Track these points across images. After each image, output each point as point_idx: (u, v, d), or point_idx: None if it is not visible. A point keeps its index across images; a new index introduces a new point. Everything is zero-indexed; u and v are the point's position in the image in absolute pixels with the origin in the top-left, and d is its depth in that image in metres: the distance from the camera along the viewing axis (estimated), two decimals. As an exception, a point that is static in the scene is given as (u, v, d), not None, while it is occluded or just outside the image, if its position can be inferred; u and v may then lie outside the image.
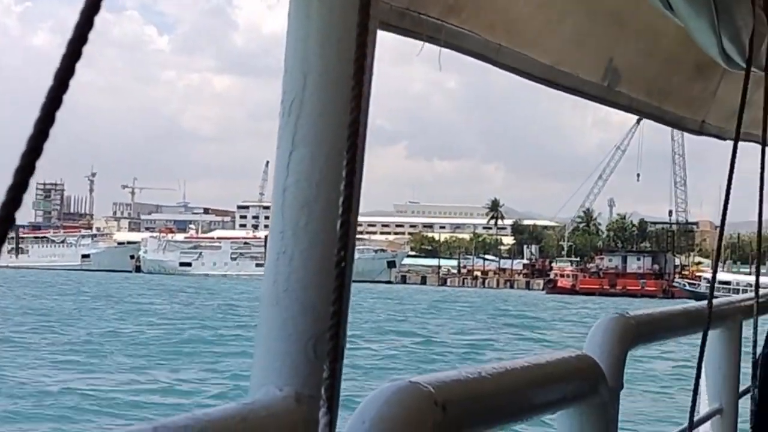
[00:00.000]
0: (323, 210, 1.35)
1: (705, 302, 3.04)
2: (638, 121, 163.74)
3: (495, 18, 2.73)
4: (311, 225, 1.35)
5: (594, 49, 3.36)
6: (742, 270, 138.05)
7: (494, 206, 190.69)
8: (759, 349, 3.31)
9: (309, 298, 1.35)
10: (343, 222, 1.30)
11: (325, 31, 1.36)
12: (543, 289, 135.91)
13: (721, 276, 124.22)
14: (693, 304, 3.16)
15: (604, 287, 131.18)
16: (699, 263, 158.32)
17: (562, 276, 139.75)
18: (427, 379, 1.60)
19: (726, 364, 3.43)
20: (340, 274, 1.30)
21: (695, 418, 3.10)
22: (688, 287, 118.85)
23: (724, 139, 4.56)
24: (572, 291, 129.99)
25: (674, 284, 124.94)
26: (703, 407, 3.45)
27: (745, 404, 3.40)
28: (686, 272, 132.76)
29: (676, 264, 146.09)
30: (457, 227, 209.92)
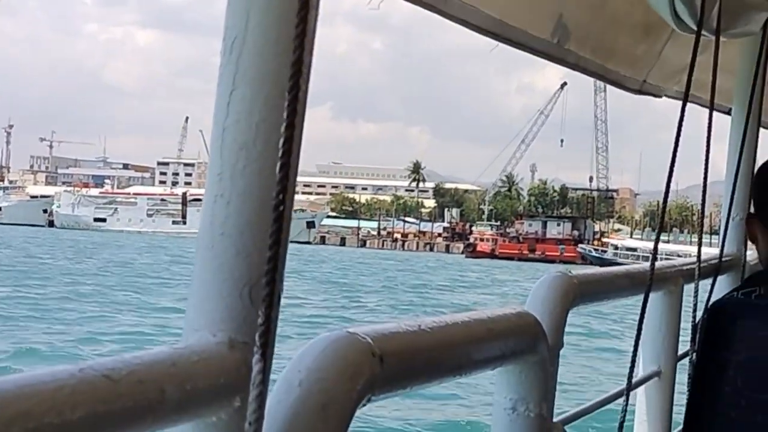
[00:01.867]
0: (262, 152, 1.31)
1: (648, 264, 3.04)
2: (562, 86, 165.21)
3: None
4: (250, 167, 1.31)
5: (544, 4, 3.33)
6: (663, 238, 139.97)
7: (416, 168, 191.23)
8: (699, 314, 3.32)
9: (245, 242, 1.31)
10: (283, 165, 1.27)
11: (269, -33, 1.31)
12: (462, 253, 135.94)
13: (629, 242, 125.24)
14: (636, 266, 3.16)
15: (524, 252, 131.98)
16: (618, 230, 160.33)
17: (481, 240, 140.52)
18: (366, 330, 1.57)
19: (666, 328, 3.44)
20: (278, 218, 1.27)
21: (634, 380, 3.11)
22: (594, 254, 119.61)
23: (661, 96, 4.57)
24: (492, 255, 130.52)
25: (579, 250, 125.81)
26: (643, 370, 3.47)
27: (684, 368, 3.42)
28: (605, 239, 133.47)
29: (596, 230, 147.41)
30: (379, 189, 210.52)
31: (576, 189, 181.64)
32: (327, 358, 1.47)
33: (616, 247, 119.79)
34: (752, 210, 3.70)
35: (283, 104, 1.27)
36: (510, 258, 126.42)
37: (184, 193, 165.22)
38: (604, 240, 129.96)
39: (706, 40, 3.50)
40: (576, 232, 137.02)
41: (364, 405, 1.52)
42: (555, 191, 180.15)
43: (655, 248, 3.08)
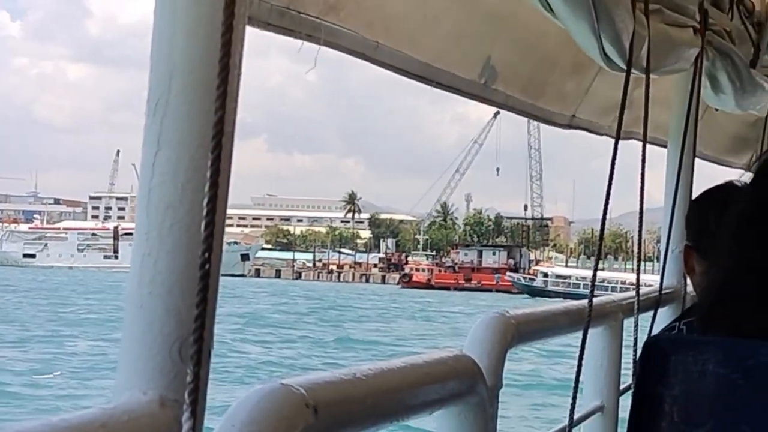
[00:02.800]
0: (188, 211, 1.33)
1: (586, 301, 3.08)
2: (495, 115, 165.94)
3: (373, 16, 2.73)
4: (176, 227, 1.33)
5: (472, 47, 3.38)
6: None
7: (351, 199, 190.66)
8: (640, 347, 3.36)
9: (174, 300, 1.33)
10: (208, 223, 1.28)
11: (191, 30, 1.34)
12: (398, 284, 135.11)
13: (558, 270, 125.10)
14: (574, 303, 3.20)
15: (460, 282, 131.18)
16: (553, 258, 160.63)
17: (417, 270, 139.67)
18: (299, 380, 1.59)
19: (607, 362, 3.48)
20: (204, 276, 1.28)
21: (576, 416, 3.14)
22: (523, 282, 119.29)
23: (595, 133, 4.64)
24: (427, 285, 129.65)
25: (507, 278, 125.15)
26: (586, 405, 3.50)
27: (627, 401, 3.45)
28: (535, 267, 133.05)
29: (531, 258, 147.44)
30: (314, 220, 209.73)
31: (511, 218, 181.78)
32: (260, 411, 1.48)
33: (546, 275, 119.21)
34: (688, 241, 3.76)
35: (207, 164, 1.29)
36: (446, 288, 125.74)
37: (116, 228, 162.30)
38: (534, 268, 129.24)
39: (635, 76, 3.57)
40: (512, 261, 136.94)
41: (300, 456, 1.54)
42: (490, 220, 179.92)
43: (593, 283, 3.12)
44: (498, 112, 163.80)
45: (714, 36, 4.51)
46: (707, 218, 3.44)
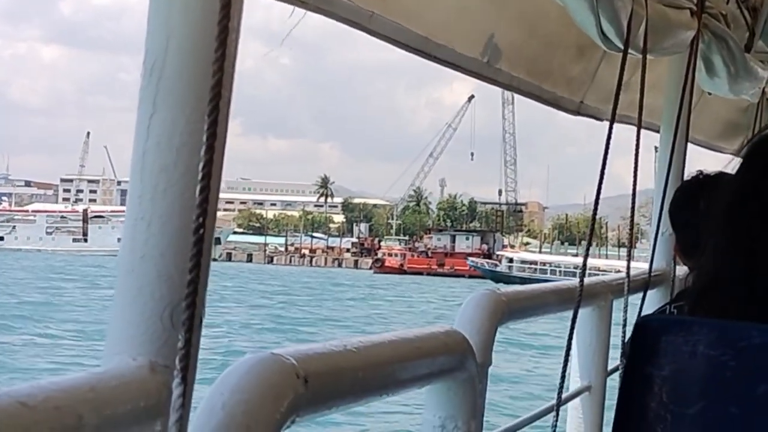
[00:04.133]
0: (183, 175, 1.31)
1: (577, 281, 3.07)
2: (469, 99, 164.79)
3: None
4: (170, 190, 1.31)
5: (474, 24, 3.35)
6: (569, 251, 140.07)
7: (324, 183, 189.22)
8: (630, 328, 3.36)
9: (166, 265, 1.31)
10: (203, 188, 1.27)
11: (189, -9, 1.32)
12: (371, 268, 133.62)
13: (524, 255, 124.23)
14: (565, 282, 3.19)
15: (432, 267, 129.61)
16: (527, 243, 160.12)
17: (390, 255, 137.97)
18: (290, 351, 1.57)
19: (596, 343, 3.47)
20: (198, 241, 1.27)
21: (564, 395, 3.13)
22: (486, 267, 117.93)
23: (601, 119, 4.62)
24: (400, 270, 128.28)
25: (469, 263, 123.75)
26: (573, 385, 3.50)
27: (614, 382, 3.45)
28: (499, 252, 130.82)
29: (505, 244, 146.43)
30: (288, 204, 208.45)
31: (485, 203, 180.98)
32: (250, 380, 1.46)
33: (511, 260, 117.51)
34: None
35: (203, 127, 1.27)
36: (419, 273, 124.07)
37: (85, 210, 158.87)
38: (498, 253, 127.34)
39: (638, 59, 3.55)
40: (485, 246, 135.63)
41: (289, 427, 1.52)
42: (464, 205, 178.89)
43: (584, 264, 3.12)
44: (472, 96, 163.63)
45: (710, 19, 4.50)
46: (689, 216, 3.45)
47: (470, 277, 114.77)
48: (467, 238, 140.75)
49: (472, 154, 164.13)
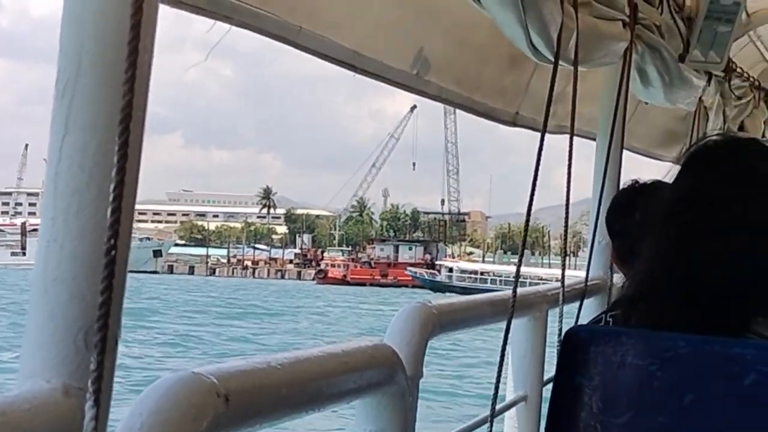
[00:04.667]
0: (95, 197, 1.30)
1: (510, 291, 3.09)
2: (411, 109, 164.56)
3: (295, 2, 2.70)
4: (83, 212, 1.31)
5: (403, 37, 3.37)
6: (512, 260, 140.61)
7: (266, 194, 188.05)
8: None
9: (79, 287, 1.31)
10: (114, 209, 1.26)
11: (100, 11, 1.31)
12: (313, 279, 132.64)
13: (463, 265, 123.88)
14: (499, 293, 3.21)
15: (376, 277, 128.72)
16: (470, 253, 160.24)
17: (333, 266, 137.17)
18: (211, 369, 1.57)
19: (531, 353, 3.49)
20: (110, 262, 1.26)
21: (499, 406, 3.15)
22: (426, 277, 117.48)
23: (538, 130, 4.65)
24: (343, 281, 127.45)
25: (407, 273, 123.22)
26: (510, 395, 3.52)
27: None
28: (438, 261, 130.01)
29: (448, 253, 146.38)
30: (230, 216, 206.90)
31: (428, 213, 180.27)
32: (169, 399, 1.46)
33: (450, 270, 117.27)
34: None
35: (114, 149, 1.27)
36: (362, 284, 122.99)
37: (23, 223, 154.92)
38: (437, 263, 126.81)
39: (570, 70, 3.59)
40: (428, 256, 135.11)
41: (210, 446, 1.52)
42: (407, 215, 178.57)
43: (517, 274, 3.14)
44: (414, 106, 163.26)
45: (643, 30, 4.54)
46: (626, 224, 3.49)
47: (414, 287, 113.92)
48: (410, 248, 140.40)
49: (413, 164, 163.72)
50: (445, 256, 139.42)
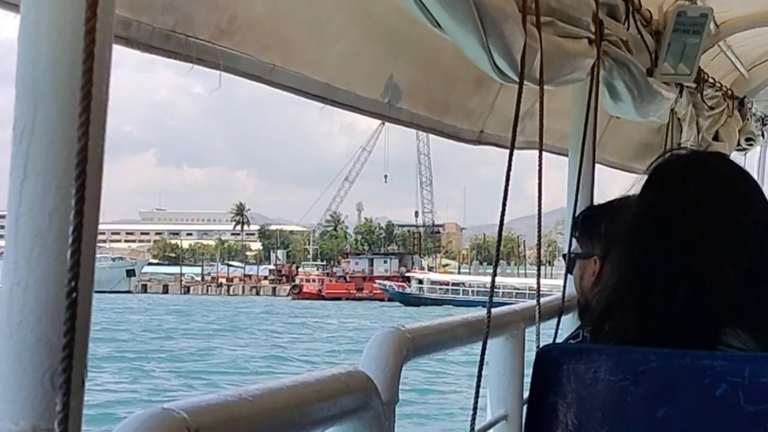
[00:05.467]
0: (57, 239, 1.32)
1: (484, 312, 3.11)
2: (382, 123, 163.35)
3: (270, 40, 2.74)
4: (44, 255, 1.32)
5: (372, 66, 3.40)
6: (488, 271, 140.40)
7: (239, 211, 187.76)
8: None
9: (44, 329, 1.32)
10: (74, 251, 1.28)
11: (54, 57, 1.33)
12: (288, 295, 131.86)
13: (433, 276, 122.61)
14: (474, 314, 3.22)
15: (351, 291, 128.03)
16: (446, 264, 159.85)
17: (308, 281, 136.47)
18: (182, 404, 1.58)
19: (510, 372, 3.50)
20: (72, 304, 1.28)
21: (478, 426, 3.16)
22: (396, 289, 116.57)
23: (504, 147, 4.68)
24: (318, 296, 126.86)
25: (376, 286, 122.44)
26: (489, 414, 3.53)
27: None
28: (409, 273, 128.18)
29: (423, 266, 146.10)
30: (204, 234, 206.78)
31: (402, 226, 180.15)
32: (140, 436, 1.47)
33: (420, 281, 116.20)
34: (594, 251, 3.82)
35: (72, 192, 1.28)
36: (338, 298, 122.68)
37: None
38: (407, 275, 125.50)
39: (537, 89, 3.62)
40: (403, 269, 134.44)
41: (181, 480, 1.53)
42: (381, 228, 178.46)
43: (491, 293, 3.16)
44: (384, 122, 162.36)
45: (610, 46, 4.59)
46: (615, 229, 3.52)
47: (389, 300, 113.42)
48: (385, 261, 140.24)
49: (385, 176, 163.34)
50: (420, 269, 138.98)
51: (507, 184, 3.14)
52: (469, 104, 4.26)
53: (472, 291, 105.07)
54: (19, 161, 1.34)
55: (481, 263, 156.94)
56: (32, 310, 1.33)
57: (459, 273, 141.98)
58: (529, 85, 3.37)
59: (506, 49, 3.03)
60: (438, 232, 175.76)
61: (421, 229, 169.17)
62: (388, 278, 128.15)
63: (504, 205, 3.12)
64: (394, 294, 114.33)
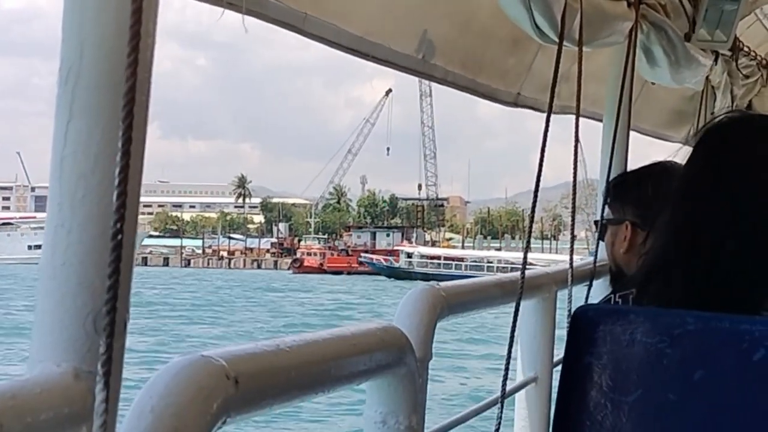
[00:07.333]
0: (100, 182, 1.31)
1: (519, 273, 3.09)
2: (387, 93, 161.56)
3: None
4: (88, 197, 1.32)
5: (406, 21, 3.37)
6: (492, 245, 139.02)
7: (241, 183, 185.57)
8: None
9: (87, 272, 1.32)
10: (120, 194, 1.27)
11: (102, -3, 1.32)
12: (289, 269, 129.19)
13: (423, 250, 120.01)
14: (507, 275, 3.21)
15: (353, 265, 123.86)
16: (450, 239, 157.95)
17: (309, 254, 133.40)
18: (220, 352, 1.58)
19: (541, 334, 3.49)
20: (117, 247, 1.27)
21: (509, 387, 3.16)
22: (383, 264, 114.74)
23: (540, 110, 4.64)
24: (320, 270, 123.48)
25: (360, 260, 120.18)
26: (520, 376, 3.52)
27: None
28: (398, 247, 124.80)
29: (427, 239, 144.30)
30: (207, 206, 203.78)
31: (406, 199, 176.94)
32: (179, 382, 1.47)
33: (410, 255, 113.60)
34: (630, 217, 3.78)
35: (119, 134, 1.27)
36: (339, 272, 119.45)
37: None
38: (396, 248, 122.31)
39: (574, 50, 3.58)
40: (406, 242, 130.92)
41: (220, 428, 1.53)
42: (384, 201, 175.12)
43: (525, 256, 3.14)
44: (390, 90, 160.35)
45: (648, 9, 4.54)
46: (647, 195, 3.49)
47: (377, 274, 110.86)
48: (388, 235, 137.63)
49: (388, 149, 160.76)
50: (424, 242, 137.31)
51: (543, 151, 3.12)
52: (504, 64, 4.22)
53: (466, 266, 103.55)
54: (65, 103, 1.33)
55: (485, 237, 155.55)
56: (75, 252, 1.33)
57: (463, 247, 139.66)
58: (567, 47, 3.34)
59: (547, 7, 3.00)
60: (442, 206, 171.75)
61: (425, 203, 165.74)
62: (391, 252, 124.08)
63: (539, 172, 3.11)
64: (381, 268, 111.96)
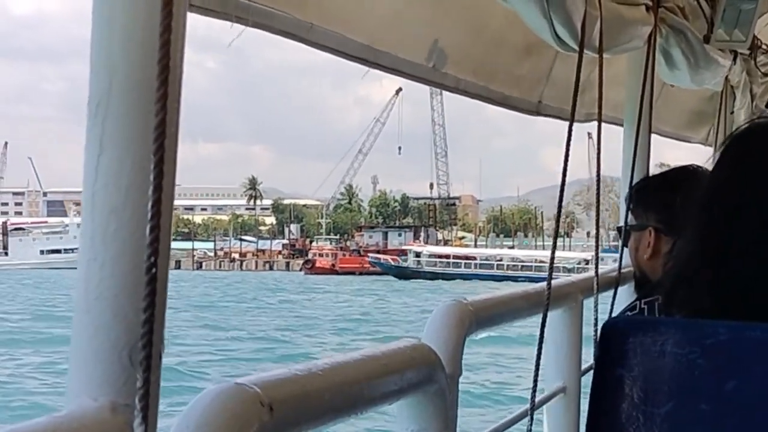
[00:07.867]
0: (132, 215, 1.31)
1: (545, 284, 3.08)
2: (397, 92, 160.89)
3: None
4: (121, 231, 1.31)
5: (416, 29, 3.38)
6: (505, 243, 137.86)
7: (252, 185, 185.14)
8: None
9: (121, 305, 1.31)
10: (153, 227, 1.27)
11: (129, 29, 1.32)
12: (301, 270, 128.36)
13: (432, 249, 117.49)
14: (534, 286, 3.20)
15: (365, 266, 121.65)
16: (462, 237, 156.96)
17: (320, 255, 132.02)
18: (254, 379, 1.58)
19: (568, 344, 3.48)
20: (151, 280, 1.27)
21: (538, 398, 3.14)
22: (390, 263, 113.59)
23: (563, 119, 4.63)
24: (332, 271, 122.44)
25: (368, 260, 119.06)
26: (548, 387, 3.51)
27: (589, 381, 3.46)
28: (412, 246, 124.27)
29: (439, 239, 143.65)
30: (219, 209, 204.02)
31: (417, 198, 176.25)
32: (214, 411, 1.47)
33: (418, 254, 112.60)
34: (653, 223, 3.76)
35: (150, 167, 1.27)
36: (351, 272, 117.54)
37: (4, 223, 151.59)
38: (405, 247, 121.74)
39: (596, 56, 3.57)
40: (418, 242, 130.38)
41: (256, 455, 1.53)
42: (396, 201, 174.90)
43: (551, 267, 3.13)
44: (400, 89, 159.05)
45: (667, 13, 4.52)
46: (673, 200, 3.46)
47: (384, 274, 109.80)
48: (400, 234, 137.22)
49: (399, 148, 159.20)
50: (437, 241, 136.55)
51: (566, 157, 3.11)
52: (517, 71, 4.21)
53: (475, 264, 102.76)
54: (95, 136, 1.33)
55: (498, 235, 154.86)
56: (109, 286, 1.32)
57: (476, 245, 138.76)
58: (588, 54, 3.33)
59: (567, 17, 2.99)
60: (454, 205, 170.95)
61: (437, 202, 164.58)
62: (403, 252, 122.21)
63: (564, 176, 3.09)
64: (388, 268, 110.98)
